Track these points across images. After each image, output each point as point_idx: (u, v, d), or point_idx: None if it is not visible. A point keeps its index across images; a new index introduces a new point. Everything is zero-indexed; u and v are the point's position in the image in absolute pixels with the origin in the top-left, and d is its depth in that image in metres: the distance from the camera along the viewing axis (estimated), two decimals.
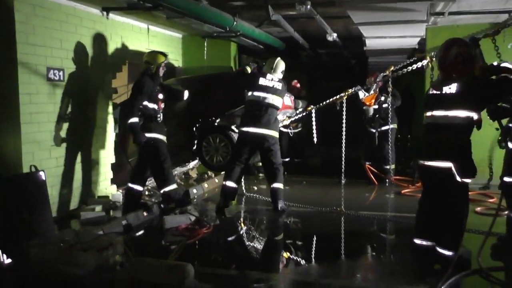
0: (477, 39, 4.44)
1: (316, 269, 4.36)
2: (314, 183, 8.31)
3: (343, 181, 6.14)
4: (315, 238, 5.39)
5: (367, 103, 7.94)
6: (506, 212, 4.59)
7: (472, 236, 4.79)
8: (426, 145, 4.09)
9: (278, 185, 6.10)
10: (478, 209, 5.97)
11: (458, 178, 3.80)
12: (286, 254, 4.73)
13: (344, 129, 6.08)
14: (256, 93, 6.11)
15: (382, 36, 7.99)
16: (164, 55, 6.11)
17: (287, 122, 8.00)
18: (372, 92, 7.10)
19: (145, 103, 5.86)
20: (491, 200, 6.38)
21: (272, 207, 6.13)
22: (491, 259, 4.25)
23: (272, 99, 6.10)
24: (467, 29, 7.48)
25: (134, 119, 5.73)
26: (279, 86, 6.18)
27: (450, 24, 7.55)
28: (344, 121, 6.08)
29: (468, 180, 3.87)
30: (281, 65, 6.31)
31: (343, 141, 6.10)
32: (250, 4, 6.83)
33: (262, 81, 6.14)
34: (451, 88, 3.88)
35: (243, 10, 7.02)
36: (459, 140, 3.86)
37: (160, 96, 6.06)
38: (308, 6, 6.02)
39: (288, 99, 7.37)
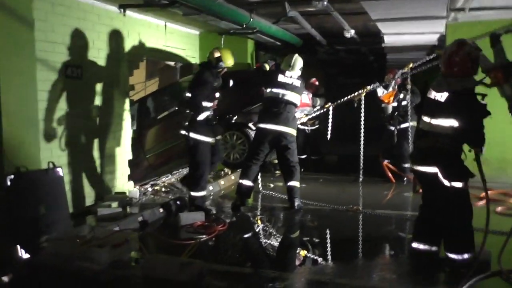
0: (498, 34, 4.31)
1: (332, 269, 4.31)
2: (331, 181, 8.22)
3: (360, 179, 6.06)
4: (331, 236, 5.34)
5: (386, 101, 7.82)
6: None
7: (493, 237, 4.68)
8: (416, 150, 4.14)
9: (295, 183, 6.05)
10: (499, 209, 5.84)
11: (446, 183, 3.76)
12: (301, 253, 4.69)
13: (362, 126, 6.01)
14: (275, 90, 6.06)
15: (400, 33, 7.87)
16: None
17: (304, 119, 7.94)
18: (391, 89, 7.00)
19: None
20: None
21: (289, 205, 6.09)
22: None
23: (290, 96, 6.05)
24: (489, 25, 7.30)
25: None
26: (297, 83, 6.13)
27: (471, 20, 7.38)
28: (362, 118, 6.00)
29: (459, 184, 3.79)
30: (299, 62, 6.25)
31: (362, 138, 6.02)
32: (267, 0, 6.79)
33: (281, 78, 6.09)
34: (442, 97, 3.84)
35: (260, 6, 6.98)
36: (446, 145, 3.81)
37: (217, 95, 6.06)
38: (325, 2, 5.95)
39: (306, 97, 7.33)
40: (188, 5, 5.87)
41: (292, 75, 6.14)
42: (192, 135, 5.78)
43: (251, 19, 6.94)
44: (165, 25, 7.81)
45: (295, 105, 6.15)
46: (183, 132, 5.91)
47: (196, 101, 5.81)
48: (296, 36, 9.30)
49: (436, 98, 3.85)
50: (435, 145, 3.82)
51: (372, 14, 6.41)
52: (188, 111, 6.02)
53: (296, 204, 6.02)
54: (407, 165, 7.71)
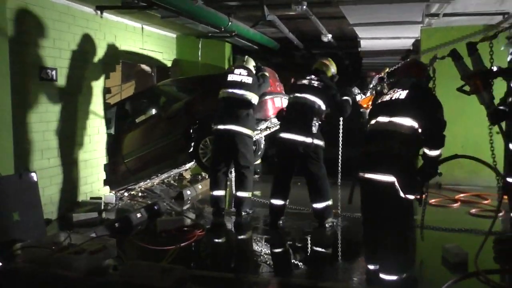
0: (474, 43, 4.42)
1: (313, 272, 4.32)
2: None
3: (339, 182, 6.08)
4: (311, 240, 5.34)
5: (364, 106, 7.90)
6: (501, 214, 4.57)
7: (469, 239, 4.78)
8: (366, 155, 3.66)
9: (243, 193, 5.92)
10: (473, 210, 5.96)
11: (401, 194, 3.38)
12: (282, 257, 4.68)
13: (341, 130, 6.02)
14: (225, 90, 5.99)
15: (377, 37, 7.98)
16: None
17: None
18: (368, 94, 7.07)
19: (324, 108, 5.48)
20: (485, 202, 6.37)
21: (235, 214, 6.00)
22: (494, 261, 4.22)
23: (240, 93, 5.91)
24: (462, 31, 7.52)
25: None
26: (248, 80, 5.98)
27: (444, 25, 7.56)
28: (341, 123, 6.02)
29: (411, 196, 3.45)
30: (250, 60, 6.28)
31: (340, 143, 6.04)
32: (246, 4, 6.78)
33: (230, 77, 6.03)
34: (402, 95, 3.59)
35: (238, 10, 6.98)
36: (402, 151, 3.46)
37: None
38: (304, 7, 5.98)
39: (286, 102, 7.29)
40: (167, 7, 5.82)
41: (241, 72, 6.04)
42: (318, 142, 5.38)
43: (230, 23, 6.92)
44: (142, 28, 7.72)
45: (249, 103, 5.96)
46: (309, 140, 5.27)
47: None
48: (273, 40, 9.33)
49: (394, 98, 3.62)
50: (390, 151, 3.47)
51: (350, 18, 6.48)
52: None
53: (243, 214, 5.93)
54: None
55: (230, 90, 5.97)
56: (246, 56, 6.38)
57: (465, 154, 3.84)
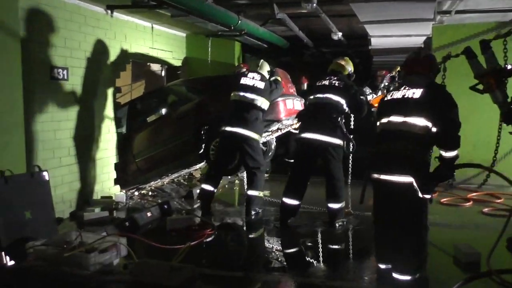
0: (488, 41, 4.36)
1: (323, 271, 4.30)
2: (319, 183, 8.22)
3: (349, 182, 6.04)
4: (322, 239, 5.31)
5: (376, 105, 7.84)
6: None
7: (481, 238, 4.72)
8: (381, 156, 3.56)
9: (253, 192, 5.90)
10: (486, 210, 5.89)
11: (420, 194, 3.34)
12: (292, 256, 4.67)
13: (352, 129, 5.98)
14: (237, 93, 5.98)
15: (387, 35, 7.91)
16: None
17: (296, 125, 7.91)
18: (380, 93, 7.01)
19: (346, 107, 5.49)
20: (498, 201, 6.30)
21: (245, 212, 5.97)
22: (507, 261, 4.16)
23: (251, 98, 5.91)
24: (474, 28, 7.43)
25: None
26: (260, 85, 5.97)
27: (456, 23, 7.46)
28: (352, 121, 5.98)
29: (427, 196, 3.42)
30: (265, 64, 6.25)
31: (351, 142, 5.99)
32: (255, 2, 6.78)
33: (243, 80, 6.03)
34: (415, 94, 3.47)
35: (248, 8, 6.97)
36: (417, 152, 3.41)
37: None
38: (314, 4, 5.95)
39: (299, 103, 7.25)
40: (177, 6, 5.83)
41: (255, 77, 6.03)
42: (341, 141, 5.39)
43: (239, 21, 6.92)
44: (152, 27, 7.75)
45: (259, 108, 5.95)
46: (335, 140, 5.28)
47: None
48: (282, 38, 9.31)
49: (407, 96, 3.49)
50: (405, 151, 3.40)
51: (361, 16, 6.43)
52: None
53: (252, 213, 5.89)
54: None
55: (241, 94, 5.96)
56: (262, 60, 6.33)
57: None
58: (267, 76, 6.19)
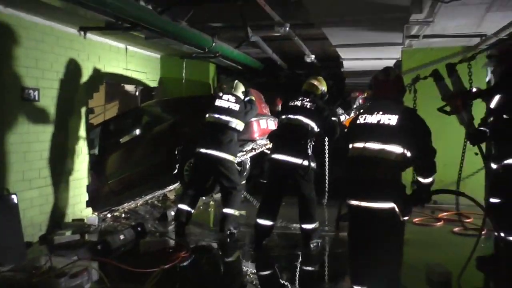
0: (453, 64, 4.52)
1: None
2: (294, 203, 8.24)
3: (325, 202, 6.09)
4: (297, 260, 5.30)
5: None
6: (484, 232, 4.61)
7: (453, 258, 4.80)
8: (359, 182, 3.47)
9: (229, 210, 5.94)
10: (456, 229, 6.01)
11: (402, 218, 3.34)
12: (266, 278, 4.65)
13: (326, 150, 6.06)
14: (211, 114, 6.02)
15: (359, 58, 8.12)
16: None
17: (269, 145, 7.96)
18: (352, 114, 7.15)
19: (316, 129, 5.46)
20: (467, 220, 6.43)
21: (219, 229, 6.01)
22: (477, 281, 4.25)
23: (226, 120, 5.95)
24: (441, 52, 7.70)
25: None
26: (235, 107, 6.01)
27: (424, 46, 7.74)
28: (326, 143, 6.06)
29: (406, 218, 3.41)
30: (239, 85, 6.29)
31: (326, 162, 6.07)
32: (229, 25, 6.86)
33: (218, 102, 6.06)
34: (391, 120, 3.40)
35: (222, 31, 7.04)
36: (396, 176, 3.41)
37: None
38: (287, 28, 6.08)
39: (272, 123, 7.31)
40: (151, 28, 5.85)
41: (229, 99, 6.07)
42: (312, 164, 5.37)
43: (214, 44, 6.98)
44: (126, 48, 7.74)
45: (234, 130, 6.00)
46: (305, 162, 5.24)
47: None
48: (257, 60, 9.43)
49: (382, 122, 3.41)
50: (385, 178, 3.37)
51: (333, 40, 6.58)
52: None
53: (227, 232, 5.91)
54: None
55: (216, 116, 5.99)
56: (236, 81, 6.37)
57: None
58: (242, 97, 6.24)
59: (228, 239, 5.84)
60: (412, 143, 3.35)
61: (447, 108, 4.51)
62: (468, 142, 4.37)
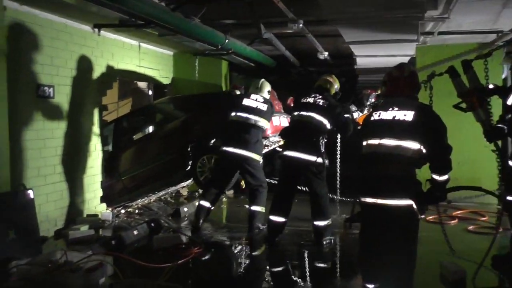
0: (469, 61, 4.46)
1: None
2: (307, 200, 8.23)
3: (337, 199, 6.06)
4: (308, 258, 5.29)
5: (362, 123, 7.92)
6: (500, 230, 4.55)
7: (468, 256, 4.76)
8: (375, 179, 3.40)
9: (256, 208, 5.91)
10: (471, 227, 5.95)
11: (419, 216, 3.29)
12: (279, 274, 4.65)
13: (338, 148, 6.03)
14: (239, 114, 5.95)
15: (372, 55, 8.06)
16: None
17: (282, 142, 7.95)
18: (366, 111, 7.11)
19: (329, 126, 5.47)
20: (483, 219, 6.36)
21: (248, 228, 5.95)
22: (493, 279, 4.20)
23: (254, 119, 5.91)
24: (456, 49, 7.61)
25: None
26: (263, 107, 5.99)
27: (439, 43, 7.66)
28: (338, 140, 6.03)
29: (422, 216, 3.35)
30: (265, 85, 6.23)
31: (338, 159, 6.04)
32: (242, 22, 6.86)
33: (245, 101, 6.01)
34: (407, 116, 3.33)
35: (235, 28, 7.04)
36: (411, 172, 3.36)
37: None
38: (301, 25, 6.06)
39: (285, 120, 7.30)
40: (164, 25, 5.87)
41: (258, 99, 6.03)
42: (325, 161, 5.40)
43: (226, 40, 6.98)
44: (139, 45, 7.78)
45: (260, 129, 5.99)
46: (318, 159, 5.26)
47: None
48: (269, 58, 9.41)
49: (398, 118, 3.34)
50: (402, 175, 3.31)
51: (346, 36, 6.55)
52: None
53: (254, 228, 5.88)
54: None
55: (244, 115, 5.94)
56: (262, 80, 6.26)
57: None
58: (268, 96, 6.20)
59: (256, 234, 5.82)
60: (428, 140, 3.28)
61: (463, 105, 4.46)
62: (485, 138, 4.31)
